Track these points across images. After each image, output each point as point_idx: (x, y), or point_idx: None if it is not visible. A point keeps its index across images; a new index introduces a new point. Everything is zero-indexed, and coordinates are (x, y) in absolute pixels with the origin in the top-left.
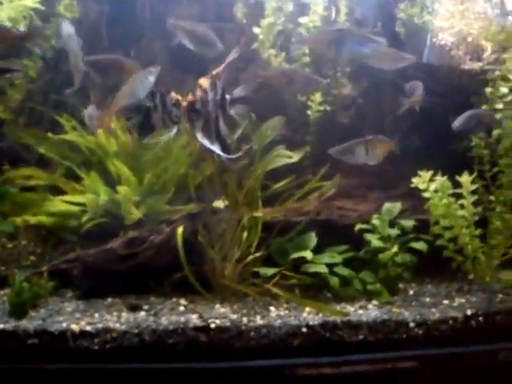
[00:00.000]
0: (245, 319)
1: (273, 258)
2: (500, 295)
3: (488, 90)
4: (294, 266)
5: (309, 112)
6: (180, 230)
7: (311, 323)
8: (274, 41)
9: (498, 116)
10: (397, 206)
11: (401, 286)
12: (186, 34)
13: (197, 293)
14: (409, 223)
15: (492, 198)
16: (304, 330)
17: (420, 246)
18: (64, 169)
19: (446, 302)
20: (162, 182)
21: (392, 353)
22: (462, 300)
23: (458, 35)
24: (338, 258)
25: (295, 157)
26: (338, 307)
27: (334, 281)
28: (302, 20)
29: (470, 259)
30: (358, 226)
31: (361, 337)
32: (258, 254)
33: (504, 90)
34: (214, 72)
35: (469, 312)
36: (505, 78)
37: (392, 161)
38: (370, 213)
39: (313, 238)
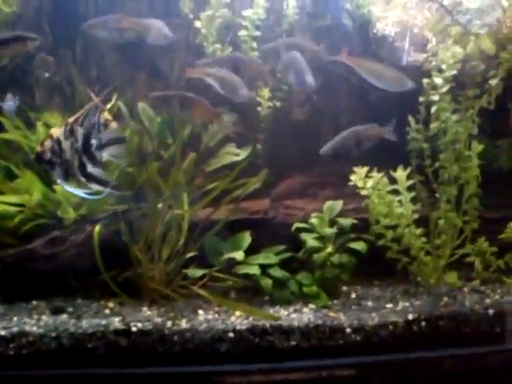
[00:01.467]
0: (169, 323)
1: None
2: (445, 298)
3: (425, 81)
4: (230, 267)
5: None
6: (97, 228)
7: (238, 328)
8: (220, 35)
9: (434, 108)
10: (338, 204)
11: (344, 288)
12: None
13: (127, 295)
14: (347, 222)
15: (432, 195)
16: (231, 334)
17: (359, 246)
18: (2, 169)
19: (389, 305)
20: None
21: (328, 360)
22: (406, 304)
23: (401, 26)
24: (273, 259)
25: (242, 155)
26: (271, 311)
27: (266, 283)
28: (246, 13)
29: (416, 260)
30: (295, 225)
31: (293, 343)
32: (189, 255)
33: (438, 80)
34: (71, 119)
35: (410, 317)
36: (440, 69)
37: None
38: (317, 212)
39: (247, 238)
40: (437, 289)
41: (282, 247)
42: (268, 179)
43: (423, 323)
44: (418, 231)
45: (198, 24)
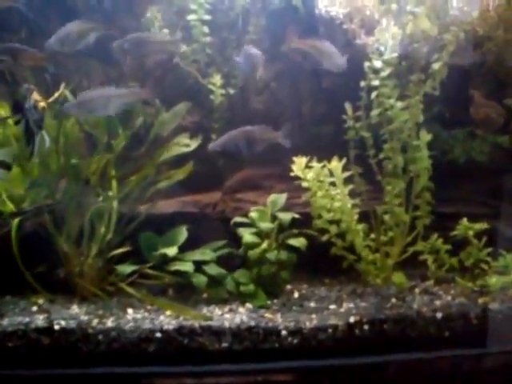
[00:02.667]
0: (95, 321)
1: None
2: (393, 300)
3: (366, 64)
4: (165, 264)
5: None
6: (15, 222)
7: (166, 328)
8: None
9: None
10: (282, 198)
11: (288, 287)
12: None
13: (60, 291)
14: (287, 216)
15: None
16: (158, 334)
17: (298, 242)
18: None
19: (332, 307)
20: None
21: (263, 364)
22: (351, 305)
23: (350, 7)
24: (210, 255)
25: (192, 145)
26: (205, 310)
27: (199, 280)
28: None
29: (362, 258)
30: (234, 220)
31: (225, 345)
32: (120, 250)
33: (378, 64)
34: None
35: (352, 319)
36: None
37: (303, 149)
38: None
39: (183, 233)
40: (385, 289)
41: (221, 243)
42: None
43: (366, 326)
44: (360, 227)
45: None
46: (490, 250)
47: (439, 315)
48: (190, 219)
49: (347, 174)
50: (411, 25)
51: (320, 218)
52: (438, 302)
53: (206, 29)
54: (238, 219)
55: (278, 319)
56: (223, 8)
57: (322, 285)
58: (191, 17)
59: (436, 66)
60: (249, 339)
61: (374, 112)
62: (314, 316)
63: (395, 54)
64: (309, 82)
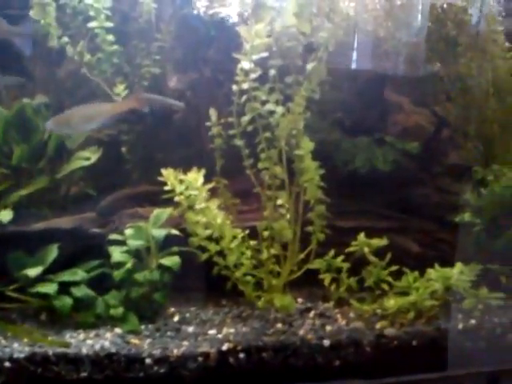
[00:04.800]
0: None
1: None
2: (279, 325)
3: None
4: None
5: None
6: None
7: (16, 356)
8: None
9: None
10: (165, 212)
11: (172, 310)
12: None
13: None
14: (160, 233)
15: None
16: (7, 364)
17: (170, 262)
18: None
19: (212, 332)
20: None
21: None
22: (232, 330)
23: (241, 6)
24: (80, 276)
25: (93, 158)
26: (68, 336)
27: (63, 303)
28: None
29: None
30: (109, 237)
31: (84, 374)
32: None
33: (246, 65)
34: None
35: (225, 347)
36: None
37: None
38: None
39: (53, 252)
40: (273, 313)
41: (96, 262)
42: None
43: (241, 355)
44: (234, 244)
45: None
46: (392, 268)
47: (326, 342)
48: (63, 237)
49: (209, 186)
50: (279, 22)
51: (196, 235)
52: (329, 328)
53: (110, 37)
54: (112, 236)
55: (144, 346)
56: (132, 15)
57: (213, 307)
58: (92, 24)
59: (310, 66)
60: (110, 368)
61: (245, 118)
62: (185, 343)
63: (264, 54)
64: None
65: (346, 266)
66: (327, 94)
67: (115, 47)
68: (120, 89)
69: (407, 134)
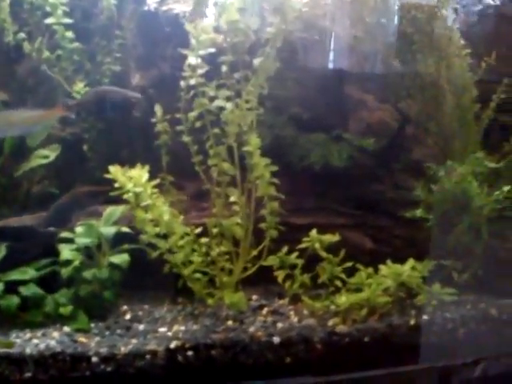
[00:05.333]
0: None
1: None
2: (229, 322)
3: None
4: None
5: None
6: None
7: None
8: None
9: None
10: (118, 210)
11: (125, 308)
12: None
13: None
14: (109, 230)
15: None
16: None
17: (119, 259)
18: None
19: (162, 329)
20: None
21: None
22: (182, 327)
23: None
24: (29, 275)
25: (52, 156)
26: (14, 335)
27: (8, 303)
28: None
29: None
30: (59, 235)
31: (28, 374)
32: None
33: (193, 60)
34: None
35: (173, 344)
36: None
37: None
38: None
39: (1, 251)
40: (226, 310)
41: (47, 261)
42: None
43: (189, 352)
44: (182, 242)
45: None
46: (345, 265)
47: (277, 340)
48: (13, 236)
49: (154, 183)
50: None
51: (146, 233)
52: (280, 325)
53: (69, 34)
54: (63, 234)
55: (91, 344)
56: (92, 12)
57: (167, 305)
58: (50, 20)
59: (257, 61)
60: (55, 367)
61: (192, 114)
62: (134, 341)
63: (211, 50)
64: None
65: (299, 262)
66: (283, 89)
67: (75, 44)
68: (79, 86)
69: (371, 131)
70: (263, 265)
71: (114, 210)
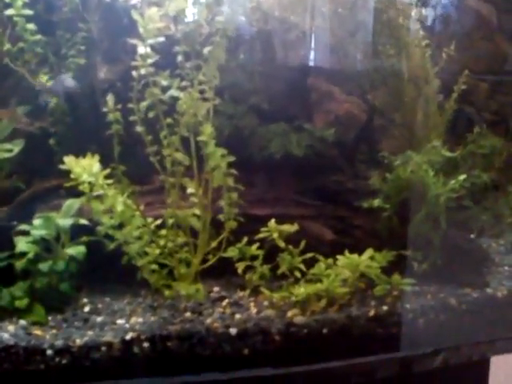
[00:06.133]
0: None
1: None
2: (188, 314)
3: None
4: None
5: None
6: None
7: None
8: None
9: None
10: (77, 201)
11: (85, 300)
12: None
13: None
14: (66, 222)
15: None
16: None
17: (75, 251)
18: None
19: (120, 321)
20: None
21: None
22: (140, 319)
23: None
24: None
25: (15, 150)
26: None
27: None
28: None
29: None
30: (16, 228)
31: None
32: None
33: (141, 50)
34: None
35: (128, 336)
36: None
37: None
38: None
39: None
40: (186, 302)
41: (3, 254)
42: None
43: (145, 344)
44: (136, 233)
45: None
46: (305, 256)
47: (233, 331)
48: None
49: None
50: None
51: (102, 224)
52: (238, 316)
53: (31, 26)
54: (21, 227)
55: (46, 336)
56: (56, 4)
57: (129, 297)
58: (10, 11)
59: (207, 50)
60: (8, 361)
61: (143, 104)
62: (90, 332)
63: (161, 39)
64: None
65: (259, 253)
66: (245, 80)
67: (38, 37)
68: (44, 79)
69: (339, 122)
70: (227, 257)
71: (72, 202)
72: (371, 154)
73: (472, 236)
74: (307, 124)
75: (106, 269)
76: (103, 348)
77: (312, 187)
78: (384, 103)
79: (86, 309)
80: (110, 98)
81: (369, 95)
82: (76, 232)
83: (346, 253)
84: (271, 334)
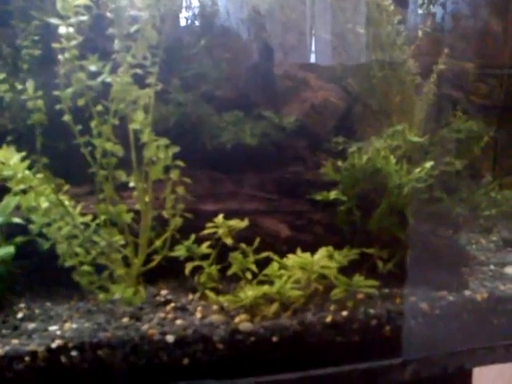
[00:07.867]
0: None
1: None
2: (125, 319)
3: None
4: None
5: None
6: None
7: None
8: None
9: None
10: (15, 199)
11: (22, 305)
12: None
13: None
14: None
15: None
16: None
17: (3, 252)
18: None
19: (53, 328)
20: None
21: None
22: (74, 325)
23: None
24: None
25: None
26: None
27: None
28: None
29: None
30: None
31: None
32: None
33: (63, 30)
34: None
35: (55, 344)
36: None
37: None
38: None
39: None
40: (125, 306)
41: None
42: None
43: (74, 352)
44: (65, 231)
45: None
46: (259, 256)
47: (171, 338)
48: None
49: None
50: None
51: (33, 223)
52: (180, 322)
53: None
54: None
55: None
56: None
57: (71, 301)
58: None
59: (132, 29)
60: None
61: (68, 90)
62: (16, 341)
63: (83, 18)
64: None
65: (210, 252)
66: (197, 66)
67: None
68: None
69: (316, 111)
70: (178, 257)
71: (10, 200)
72: (348, 143)
73: (449, 231)
74: (268, 112)
75: (54, 271)
76: (26, 358)
77: (269, 179)
78: (360, 89)
79: (20, 315)
80: (30, 85)
81: (346, 82)
82: (18, 232)
83: (298, 251)
84: (213, 342)
